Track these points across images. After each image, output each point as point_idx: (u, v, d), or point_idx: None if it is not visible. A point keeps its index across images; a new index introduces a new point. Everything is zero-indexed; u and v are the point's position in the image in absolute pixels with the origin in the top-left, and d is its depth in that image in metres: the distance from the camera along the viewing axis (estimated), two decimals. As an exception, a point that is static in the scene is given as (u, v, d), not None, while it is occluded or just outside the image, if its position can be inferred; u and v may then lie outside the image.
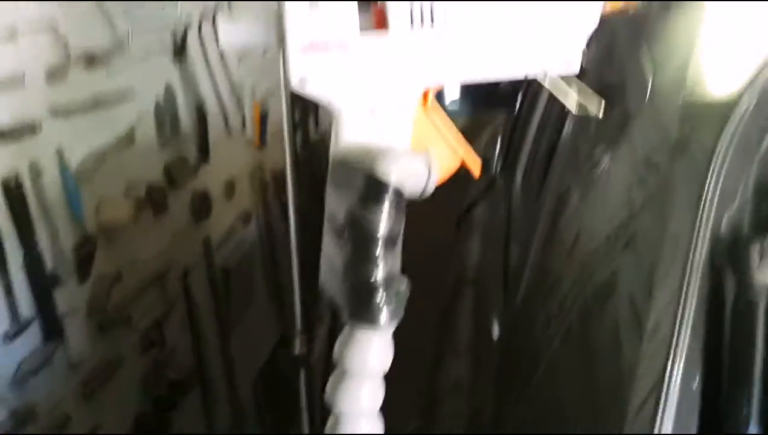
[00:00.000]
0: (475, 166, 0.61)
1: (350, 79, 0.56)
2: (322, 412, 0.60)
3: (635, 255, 0.68)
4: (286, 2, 0.54)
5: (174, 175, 1.62)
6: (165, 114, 1.59)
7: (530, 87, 1.02)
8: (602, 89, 0.74)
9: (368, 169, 0.54)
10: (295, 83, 0.55)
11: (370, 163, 0.54)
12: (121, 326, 1.39)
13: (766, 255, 0.52)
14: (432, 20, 0.56)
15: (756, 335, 0.51)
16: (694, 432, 0.54)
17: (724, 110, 0.60)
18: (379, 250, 0.55)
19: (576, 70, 0.60)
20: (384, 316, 0.56)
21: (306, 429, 1.63)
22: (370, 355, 0.57)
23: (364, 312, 0.56)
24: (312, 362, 1.55)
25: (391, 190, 0.54)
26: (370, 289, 0.56)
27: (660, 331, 0.56)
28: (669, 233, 0.60)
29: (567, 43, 0.59)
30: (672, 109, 0.66)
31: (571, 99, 0.65)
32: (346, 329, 0.58)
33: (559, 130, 0.95)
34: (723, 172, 0.56)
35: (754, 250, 0.52)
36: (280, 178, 1.97)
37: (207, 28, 1.70)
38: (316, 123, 2.32)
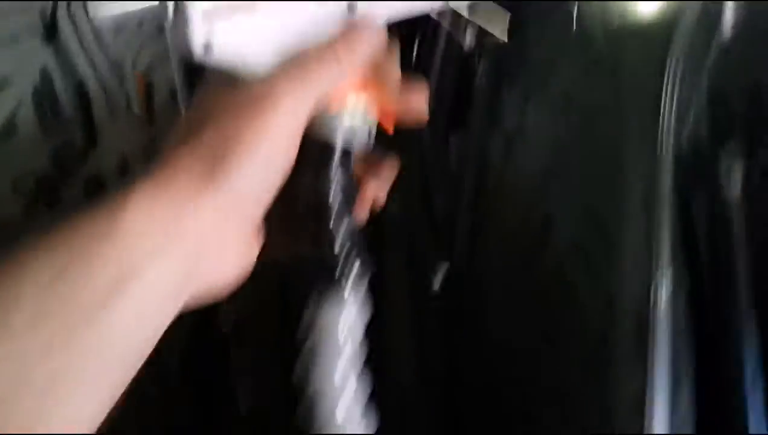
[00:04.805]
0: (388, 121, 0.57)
1: (262, 36, 0.51)
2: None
3: (573, 192, 0.67)
4: None
5: (63, 162, 1.53)
6: (44, 99, 1.50)
7: (425, 26, 0.97)
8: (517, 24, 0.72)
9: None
10: (198, 52, 0.48)
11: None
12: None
13: (732, 163, 0.50)
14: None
15: (737, 252, 0.50)
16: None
17: (657, 27, 0.58)
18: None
19: None
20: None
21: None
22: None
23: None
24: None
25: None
26: None
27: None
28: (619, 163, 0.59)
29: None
30: (599, 36, 0.65)
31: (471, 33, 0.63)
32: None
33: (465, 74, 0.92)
34: (675, 92, 0.54)
35: (723, 163, 0.50)
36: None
37: (77, 3, 1.59)
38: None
